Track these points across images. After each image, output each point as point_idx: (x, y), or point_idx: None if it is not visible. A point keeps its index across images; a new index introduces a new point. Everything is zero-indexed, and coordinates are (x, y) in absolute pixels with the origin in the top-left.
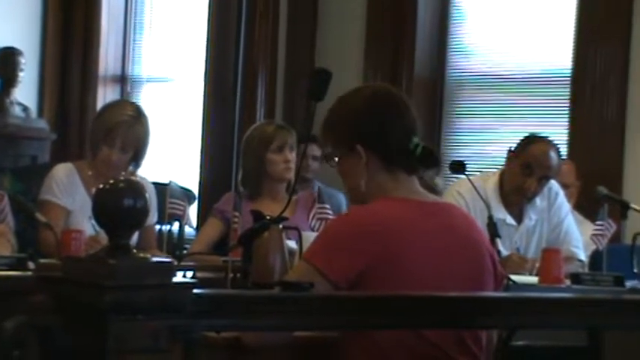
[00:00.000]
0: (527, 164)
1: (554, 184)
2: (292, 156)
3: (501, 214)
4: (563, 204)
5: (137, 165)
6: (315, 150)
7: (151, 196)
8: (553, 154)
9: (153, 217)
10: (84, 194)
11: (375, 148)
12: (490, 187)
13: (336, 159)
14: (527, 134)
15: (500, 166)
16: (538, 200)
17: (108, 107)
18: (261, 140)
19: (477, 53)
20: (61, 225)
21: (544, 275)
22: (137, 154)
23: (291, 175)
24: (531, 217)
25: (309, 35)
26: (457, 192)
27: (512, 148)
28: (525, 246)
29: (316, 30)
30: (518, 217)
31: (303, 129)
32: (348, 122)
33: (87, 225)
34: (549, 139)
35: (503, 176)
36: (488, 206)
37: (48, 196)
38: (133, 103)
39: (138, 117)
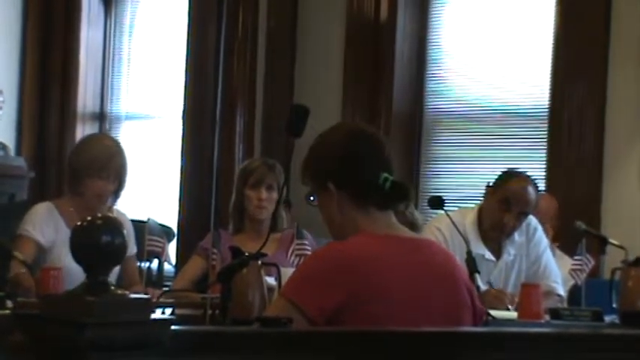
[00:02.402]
0: (505, 200)
1: (532, 219)
2: (268, 195)
3: (480, 250)
4: (542, 239)
5: (116, 197)
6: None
7: (129, 228)
8: (531, 189)
9: (132, 248)
10: (66, 231)
11: (345, 186)
12: (469, 223)
13: (312, 197)
14: (505, 170)
15: (479, 202)
16: (516, 235)
17: (87, 141)
18: (242, 175)
19: (454, 89)
20: (30, 259)
21: (523, 310)
22: (118, 185)
23: (263, 215)
24: (510, 253)
25: (288, 72)
26: (436, 228)
27: (490, 184)
28: (504, 281)
29: (294, 66)
30: (497, 253)
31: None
32: (320, 160)
33: (71, 261)
34: (527, 174)
35: (482, 212)
36: (467, 242)
37: (21, 231)
38: (109, 135)
39: (117, 147)
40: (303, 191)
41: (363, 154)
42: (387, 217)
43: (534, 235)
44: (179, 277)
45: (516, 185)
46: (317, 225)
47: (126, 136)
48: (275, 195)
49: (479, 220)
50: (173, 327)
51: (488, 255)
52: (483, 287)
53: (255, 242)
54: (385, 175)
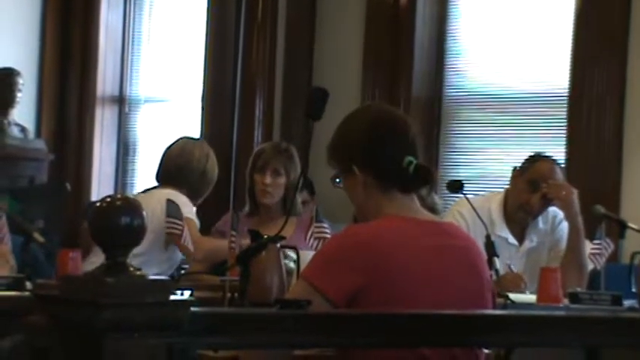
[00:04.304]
0: (532, 181)
1: (558, 212)
2: (274, 180)
3: (504, 233)
4: (565, 229)
5: None
6: (302, 196)
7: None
8: (558, 170)
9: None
10: None
11: (369, 169)
12: (494, 206)
13: (338, 180)
14: (532, 153)
15: (498, 186)
16: (541, 223)
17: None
18: (252, 159)
19: (474, 74)
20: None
21: (542, 294)
22: None
23: (268, 200)
24: (532, 239)
25: (307, 54)
26: (458, 212)
27: (518, 167)
28: (524, 267)
29: (314, 49)
30: (520, 238)
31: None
32: (345, 144)
33: None
34: (553, 158)
35: (508, 195)
36: (486, 226)
37: (192, 215)
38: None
39: None
40: (322, 175)
41: (387, 139)
42: (410, 200)
43: (559, 225)
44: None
45: (544, 167)
46: (337, 210)
47: (145, 119)
48: (282, 180)
49: (505, 203)
50: (192, 308)
51: (512, 239)
52: (502, 271)
53: (267, 225)
54: (409, 158)
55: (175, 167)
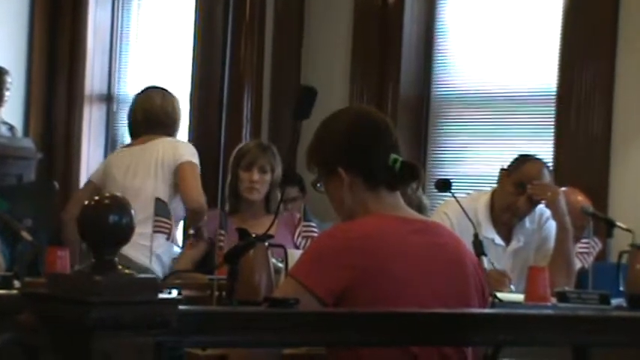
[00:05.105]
0: (520, 182)
1: (546, 210)
2: (261, 177)
3: (490, 234)
4: (552, 227)
5: None
6: (293, 192)
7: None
8: (546, 172)
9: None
10: None
11: (355, 169)
12: (481, 206)
13: (319, 184)
14: (519, 154)
15: (485, 185)
16: (527, 222)
17: None
18: (236, 156)
19: (462, 73)
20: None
21: (530, 293)
22: None
23: (254, 196)
24: (519, 239)
25: (295, 53)
26: (444, 213)
27: (505, 167)
28: (511, 268)
29: (302, 48)
30: (507, 238)
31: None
32: (328, 147)
33: None
34: (541, 159)
35: (495, 195)
36: (474, 225)
37: (195, 159)
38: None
39: None
40: (310, 174)
41: (372, 138)
42: (396, 198)
43: (545, 223)
44: (180, 258)
45: (532, 168)
46: (325, 208)
47: None
48: (268, 177)
49: (491, 203)
50: (181, 307)
51: (498, 240)
52: (488, 270)
53: (250, 223)
54: (394, 156)
55: (165, 115)
